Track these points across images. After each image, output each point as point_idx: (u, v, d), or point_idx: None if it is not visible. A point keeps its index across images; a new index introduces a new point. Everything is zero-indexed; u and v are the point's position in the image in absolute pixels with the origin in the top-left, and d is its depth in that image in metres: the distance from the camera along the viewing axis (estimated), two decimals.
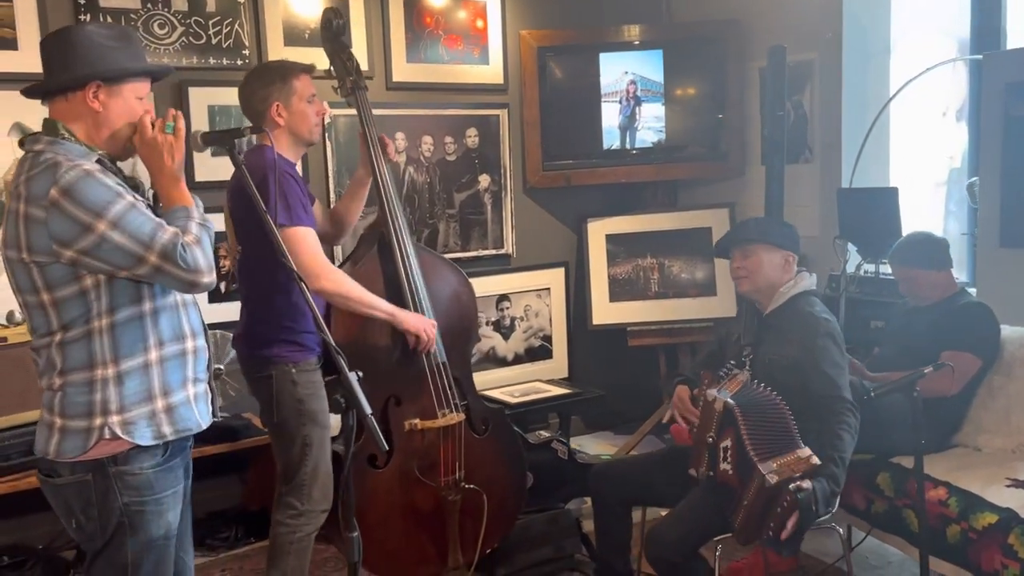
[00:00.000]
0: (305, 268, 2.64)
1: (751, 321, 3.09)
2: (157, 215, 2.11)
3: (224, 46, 3.95)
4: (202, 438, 3.60)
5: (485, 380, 4.57)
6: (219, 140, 2.16)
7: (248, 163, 2.61)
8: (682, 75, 4.70)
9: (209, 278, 2.02)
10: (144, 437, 2.04)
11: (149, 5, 3.79)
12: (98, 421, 2.01)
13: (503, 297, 4.68)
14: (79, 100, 2.04)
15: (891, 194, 3.85)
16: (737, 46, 4.65)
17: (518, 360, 4.74)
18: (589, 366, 4.93)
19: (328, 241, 3.26)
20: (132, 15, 3.75)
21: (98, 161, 2.05)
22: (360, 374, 2.10)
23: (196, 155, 3.87)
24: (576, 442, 4.72)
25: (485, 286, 4.60)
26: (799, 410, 2.84)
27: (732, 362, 2.97)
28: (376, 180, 3.02)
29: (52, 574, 3.42)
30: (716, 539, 2.79)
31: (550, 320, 4.82)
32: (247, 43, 3.99)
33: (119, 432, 2.01)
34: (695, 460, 2.82)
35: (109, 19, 3.68)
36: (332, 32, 3.06)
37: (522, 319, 4.74)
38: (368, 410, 2.00)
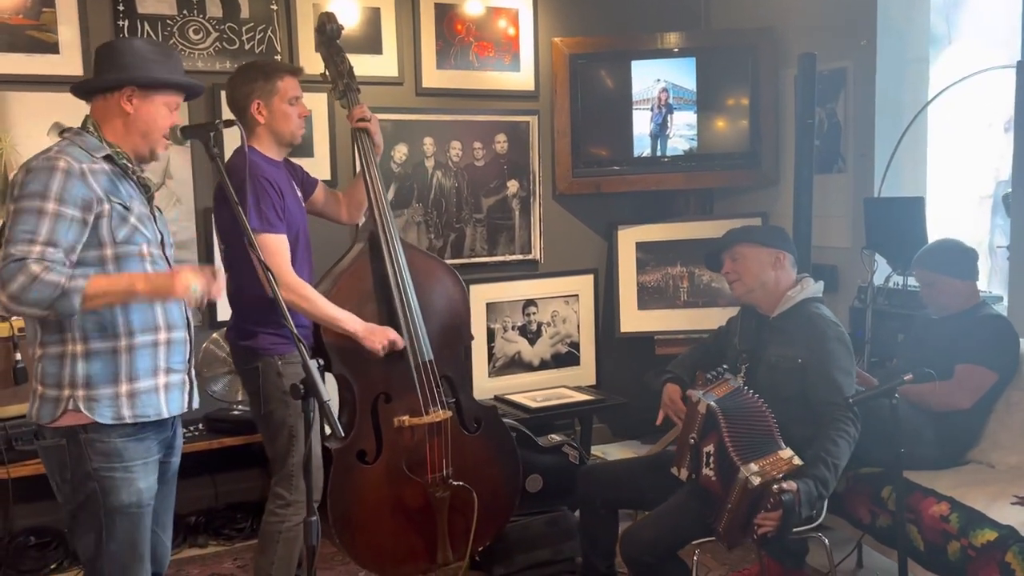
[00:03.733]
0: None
1: (749, 326, 3.06)
2: (154, 215, 2.30)
3: (257, 51, 4.07)
4: (220, 430, 3.77)
5: (510, 384, 4.59)
6: (195, 134, 2.26)
7: (231, 163, 2.70)
8: (715, 83, 4.65)
9: (3, 298, 2.03)
10: (103, 416, 2.18)
11: (185, 12, 3.94)
12: (66, 392, 2.17)
13: (530, 302, 4.68)
14: (114, 101, 2.25)
15: (917, 204, 3.75)
16: (771, 54, 4.59)
17: (544, 366, 4.74)
18: (616, 374, 4.89)
19: (344, 222, 3.30)
20: (168, 21, 3.90)
21: (107, 157, 2.21)
22: (321, 362, 2.17)
23: None
24: (601, 450, 4.70)
25: (512, 291, 4.63)
26: (798, 416, 2.81)
27: (725, 366, 2.94)
28: (366, 180, 3.07)
29: (75, 555, 3.56)
30: (695, 542, 2.76)
31: (578, 327, 4.81)
32: (279, 48, 4.11)
33: (82, 407, 2.16)
34: (678, 459, 2.83)
35: (147, 25, 3.83)
36: (326, 36, 3.14)
37: (549, 325, 4.74)
38: (326, 396, 2.07)
